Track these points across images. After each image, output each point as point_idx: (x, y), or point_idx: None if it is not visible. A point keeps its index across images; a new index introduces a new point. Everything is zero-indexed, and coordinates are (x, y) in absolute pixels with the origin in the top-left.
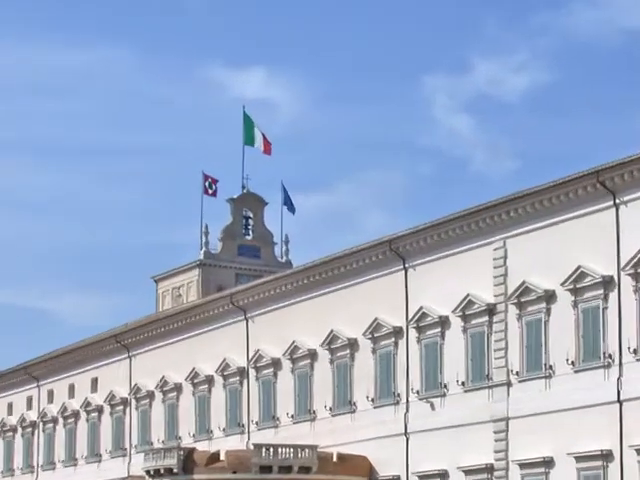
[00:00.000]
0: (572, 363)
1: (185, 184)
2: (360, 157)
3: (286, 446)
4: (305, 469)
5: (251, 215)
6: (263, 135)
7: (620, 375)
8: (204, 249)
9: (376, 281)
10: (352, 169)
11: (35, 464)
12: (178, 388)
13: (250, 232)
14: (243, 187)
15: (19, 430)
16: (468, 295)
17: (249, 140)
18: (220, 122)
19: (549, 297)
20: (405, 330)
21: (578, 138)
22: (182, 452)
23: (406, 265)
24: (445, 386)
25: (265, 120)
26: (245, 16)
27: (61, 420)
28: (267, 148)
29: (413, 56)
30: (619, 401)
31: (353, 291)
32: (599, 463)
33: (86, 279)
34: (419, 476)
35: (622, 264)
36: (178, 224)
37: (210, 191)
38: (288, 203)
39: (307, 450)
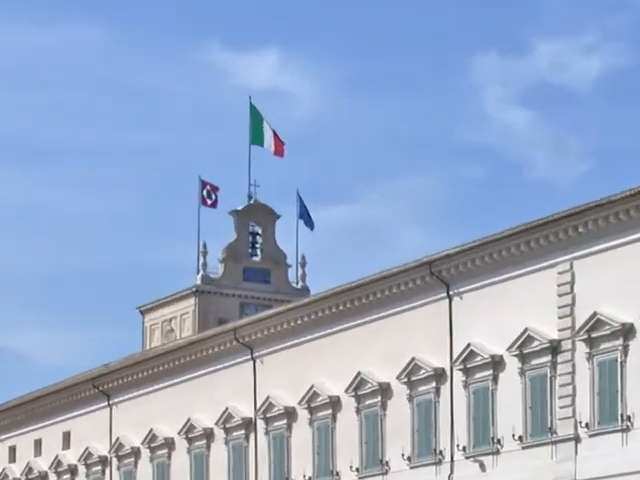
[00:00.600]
0: None
1: (178, 193)
2: (393, 160)
3: None
4: None
5: (259, 231)
6: (274, 132)
7: None
8: (201, 273)
9: (413, 312)
10: (383, 175)
11: None
12: (170, 444)
13: (258, 252)
14: (249, 197)
15: None
16: (526, 329)
17: (257, 139)
18: (221, 117)
19: (627, 332)
20: (449, 372)
21: None
22: None
23: (450, 292)
24: (498, 441)
25: (276, 114)
26: None
27: None
28: (279, 149)
29: (458, 35)
30: None
31: (385, 325)
32: None
33: (56, 310)
34: None
35: None
36: (169, 242)
37: (209, 201)
38: (305, 216)
39: None
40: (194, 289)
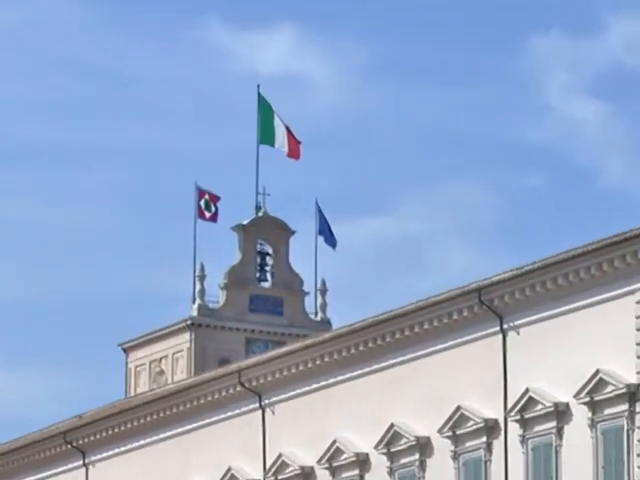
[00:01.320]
0: None
1: (169, 203)
2: (433, 162)
3: None
4: None
5: (269, 251)
6: (287, 129)
7: None
8: (198, 302)
9: (458, 350)
10: (421, 180)
11: None
12: None
13: (268, 276)
14: (257, 208)
15: None
16: (598, 372)
17: (266, 137)
18: (222, 110)
19: None
20: (502, 424)
21: None
22: None
23: (504, 326)
24: None
25: (291, 107)
26: None
27: None
28: (294, 149)
29: (512, 12)
30: None
31: (423, 365)
32: None
33: (20, 349)
34: None
35: None
36: (158, 264)
37: (208, 214)
38: (325, 232)
39: None
40: (189, 322)
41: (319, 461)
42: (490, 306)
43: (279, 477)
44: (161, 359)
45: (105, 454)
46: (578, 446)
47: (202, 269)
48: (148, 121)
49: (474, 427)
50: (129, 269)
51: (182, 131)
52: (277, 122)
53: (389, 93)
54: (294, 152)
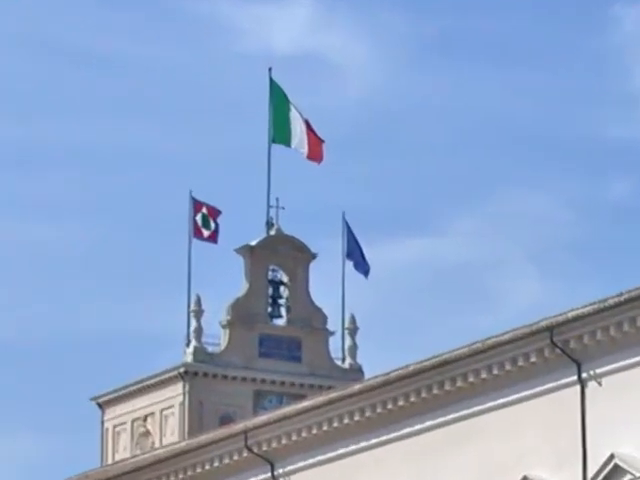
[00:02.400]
0: None
1: (158, 219)
2: (492, 168)
3: None
4: None
5: (285, 279)
6: (307, 125)
7: None
8: (194, 344)
9: (523, 405)
10: (477, 191)
11: None
12: None
13: (282, 311)
14: (269, 225)
15: None
16: None
17: (280, 135)
18: (225, 100)
19: None
20: None
21: None
22: None
23: (582, 374)
24: None
25: (311, 96)
26: None
27: None
28: (315, 150)
29: None
30: None
31: (479, 424)
32: None
33: None
34: None
35: None
36: (143, 296)
37: (206, 232)
38: (356, 256)
39: None
40: (182, 369)
41: None
42: (565, 349)
43: None
44: (146, 417)
45: None
46: None
47: (198, 302)
48: (131, 114)
49: None
50: (106, 303)
51: (174, 127)
52: (294, 115)
53: (437, 79)
54: (315, 153)
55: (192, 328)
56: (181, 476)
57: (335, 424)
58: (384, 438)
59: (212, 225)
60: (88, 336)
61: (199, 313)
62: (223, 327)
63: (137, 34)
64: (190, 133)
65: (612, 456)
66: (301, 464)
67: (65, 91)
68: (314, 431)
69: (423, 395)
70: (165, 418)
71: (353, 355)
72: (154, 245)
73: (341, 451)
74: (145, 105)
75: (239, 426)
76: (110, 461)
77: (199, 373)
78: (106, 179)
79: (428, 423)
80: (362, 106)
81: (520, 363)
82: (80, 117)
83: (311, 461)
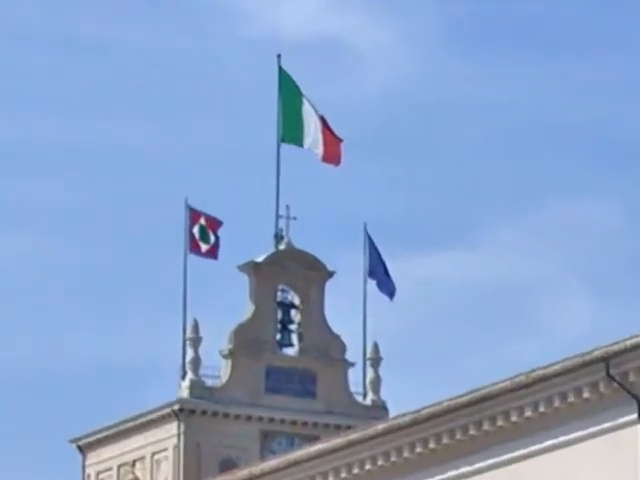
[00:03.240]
0: None
1: (149, 230)
2: (538, 171)
3: None
4: None
5: (296, 301)
6: (323, 121)
7: None
8: (190, 377)
9: (576, 448)
10: (521, 198)
11: None
12: None
13: (294, 339)
14: (278, 238)
15: None
16: None
17: (291, 133)
18: (227, 93)
19: None
20: None
21: None
22: None
23: None
24: None
25: (327, 88)
26: None
27: None
28: (332, 151)
29: None
30: None
31: (523, 470)
32: None
33: None
34: None
35: None
36: (131, 321)
37: (204, 246)
38: (379, 274)
39: None
40: (177, 407)
41: None
42: (623, 383)
43: None
44: (135, 462)
45: None
46: None
47: (196, 328)
48: (115, 108)
49: None
50: (88, 330)
51: (165, 124)
52: (307, 110)
53: (472, 68)
54: (332, 155)
55: (188, 358)
56: None
57: (355, 470)
58: None
59: (211, 238)
60: (67, 368)
61: (196, 341)
62: (224, 357)
63: (127, 18)
64: (185, 130)
65: None
66: None
67: (43, 81)
68: (330, 479)
69: (458, 437)
70: (157, 463)
71: (376, 390)
72: (143, 262)
73: None
74: (132, 98)
75: (243, 472)
76: None
77: (196, 411)
78: (87, 184)
79: (464, 469)
80: (386, 99)
81: (571, 399)
82: (58, 113)
83: None
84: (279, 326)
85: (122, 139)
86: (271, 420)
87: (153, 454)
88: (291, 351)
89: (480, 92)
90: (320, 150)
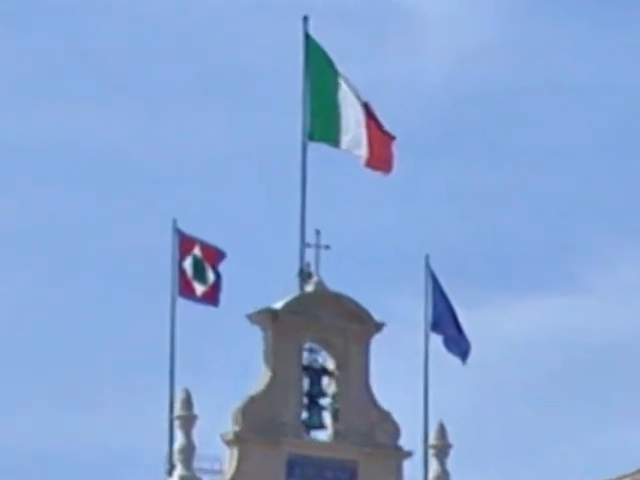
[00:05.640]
0: None
1: (123, 266)
2: None
3: None
4: None
5: (330, 365)
6: (367, 111)
7: None
8: (180, 471)
9: None
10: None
11: None
12: None
13: (326, 417)
14: (304, 275)
15: None
16: None
17: (323, 129)
18: (234, 73)
19: None
20: None
21: None
22: None
23: None
24: None
25: (370, 65)
26: None
27: None
28: (380, 153)
29: None
30: None
31: None
32: None
33: None
34: None
35: None
36: (101, 393)
37: (200, 287)
38: (446, 326)
39: None
40: None
41: None
42: None
43: None
44: None
45: None
46: None
47: (188, 402)
48: (77, 95)
49: None
50: (42, 410)
51: (147, 118)
52: (345, 95)
53: (571, 40)
54: (381, 158)
55: (177, 445)
56: None
57: None
58: None
59: (210, 276)
60: (18, 459)
61: (189, 420)
62: (228, 444)
63: None
64: (172, 125)
65: None
66: None
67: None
68: None
69: None
70: None
71: None
72: (115, 310)
73: None
74: (101, 80)
75: None
76: None
77: None
78: (43, 197)
79: None
80: (451, 83)
81: None
82: (15, 104)
83: None
84: (306, 400)
85: (81, 136)
86: None
87: None
88: (323, 435)
89: (580, 73)
90: (363, 152)
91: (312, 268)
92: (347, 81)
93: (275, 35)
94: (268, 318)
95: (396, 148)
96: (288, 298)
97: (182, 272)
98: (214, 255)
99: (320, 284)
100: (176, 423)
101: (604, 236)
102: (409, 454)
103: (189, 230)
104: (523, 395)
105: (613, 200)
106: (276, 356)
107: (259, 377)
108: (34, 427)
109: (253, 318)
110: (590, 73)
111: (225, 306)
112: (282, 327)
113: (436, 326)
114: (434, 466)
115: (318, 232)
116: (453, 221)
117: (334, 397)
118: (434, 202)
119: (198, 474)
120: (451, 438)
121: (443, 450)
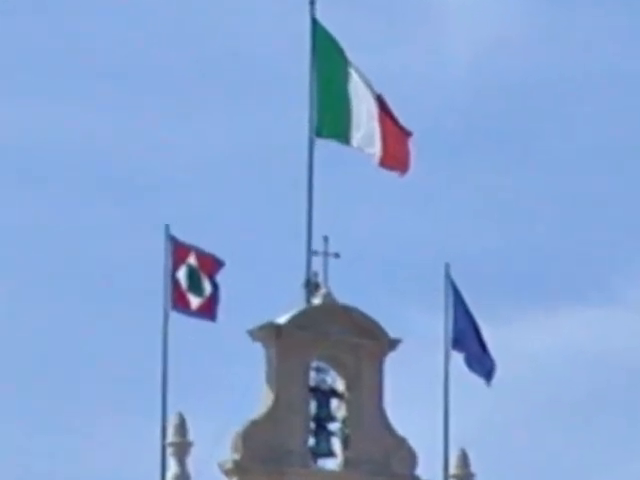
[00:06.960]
0: None
1: (110, 275)
2: None
3: None
4: None
5: (340, 386)
6: (381, 104)
7: None
8: None
9: None
10: None
11: None
12: None
13: (335, 444)
14: (311, 286)
15: None
16: None
17: (331, 124)
18: (233, 62)
19: None
20: None
21: None
22: None
23: None
24: None
25: (385, 53)
26: None
27: None
28: (395, 151)
29: None
30: None
31: None
32: None
33: None
34: None
35: None
36: (86, 419)
37: (195, 300)
38: (469, 344)
39: None
40: None
41: None
42: None
43: None
44: None
45: None
46: None
47: (182, 428)
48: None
49: None
50: (22, 438)
51: (135, 114)
52: (356, 86)
53: (609, 27)
54: (396, 157)
55: (170, 474)
56: None
57: None
58: None
59: (206, 287)
60: None
61: (183, 447)
62: (227, 473)
63: None
64: (163, 122)
65: None
66: None
67: None
68: None
69: None
70: None
71: None
72: (102, 326)
73: None
74: (84, 71)
75: None
76: None
77: None
78: (23, 201)
79: None
80: (474, 74)
81: None
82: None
83: None
84: (313, 425)
85: (65, 134)
86: None
87: None
88: (332, 464)
89: (618, 63)
90: (377, 150)
91: (320, 278)
92: (359, 71)
93: (278, 20)
94: (271, 334)
95: (413, 145)
96: (293, 312)
97: (175, 283)
98: (211, 264)
99: (328, 296)
100: (169, 451)
101: (634, 247)
102: None
103: (183, 237)
104: (553, 420)
105: None
106: (280, 376)
107: (261, 400)
108: (15, 453)
109: (254, 334)
110: (634, 62)
111: (223, 321)
112: (287, 344)
113: (457, 343)
114: None
115: (326, 239)
116: (476, 227)
117: (344, 422)
118: (455, 205)
119: None
120: (473, 467)
121: (466, 478)
